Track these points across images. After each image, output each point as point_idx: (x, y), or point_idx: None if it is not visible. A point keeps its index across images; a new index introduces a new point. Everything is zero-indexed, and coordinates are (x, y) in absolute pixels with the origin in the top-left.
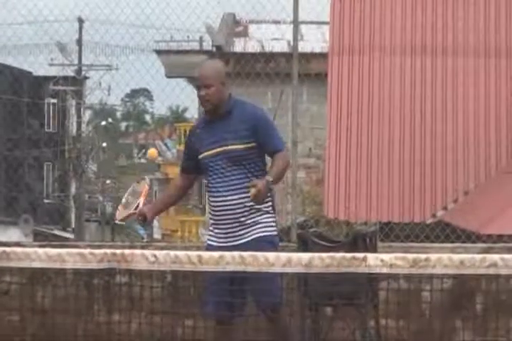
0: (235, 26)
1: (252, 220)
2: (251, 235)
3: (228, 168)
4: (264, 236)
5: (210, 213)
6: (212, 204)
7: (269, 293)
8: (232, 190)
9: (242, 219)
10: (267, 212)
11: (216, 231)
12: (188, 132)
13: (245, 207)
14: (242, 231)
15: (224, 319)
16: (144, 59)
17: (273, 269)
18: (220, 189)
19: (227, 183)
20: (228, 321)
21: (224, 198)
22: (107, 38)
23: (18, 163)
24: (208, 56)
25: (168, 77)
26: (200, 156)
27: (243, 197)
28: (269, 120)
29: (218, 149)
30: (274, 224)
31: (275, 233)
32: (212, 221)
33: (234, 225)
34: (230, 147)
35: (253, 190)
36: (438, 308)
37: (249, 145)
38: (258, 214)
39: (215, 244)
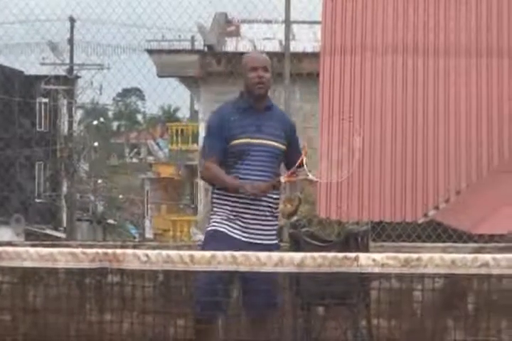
0: (226, 26)
1: (273, 222)
2: (270, 239)
3: (266, 163)
4: (277, 244)
5: (232, 201)
6: (245, 194)
7: (267, 294)
8: None
9: (266, 217)
10: (277, 218)
11: (240, 223)
12: (212, 114)
13: (274, 206)
14: (266, 232)
15: (216, 319)
16: (135, 58)
17: (265, 269)
18: (257, 180)
19: (263, 177)
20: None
21: None
22: (99, 37)
23: (10, 162)
24: (200, 55)
25: (160, 76)
26: (237, 141)
27: (273, 197)
28: None
29: (264, 141)
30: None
31: None
32: (233, 213)
33: (263, 223)
34: (273, 143)
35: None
36: (429, 308)
37: (285, 147)
38: (275, 217)
39: (241, 237)
